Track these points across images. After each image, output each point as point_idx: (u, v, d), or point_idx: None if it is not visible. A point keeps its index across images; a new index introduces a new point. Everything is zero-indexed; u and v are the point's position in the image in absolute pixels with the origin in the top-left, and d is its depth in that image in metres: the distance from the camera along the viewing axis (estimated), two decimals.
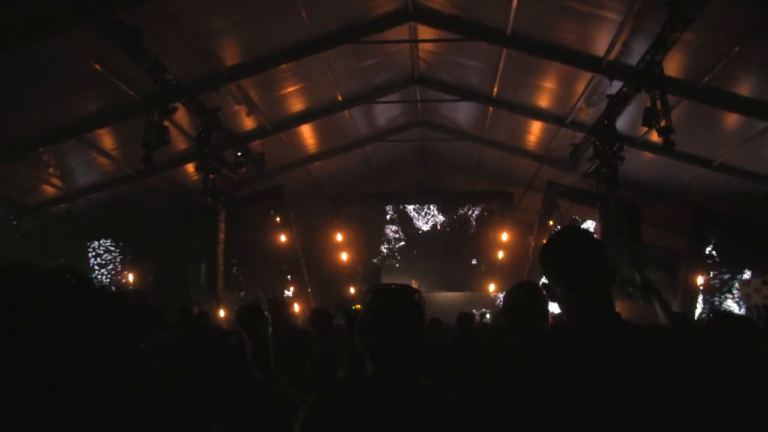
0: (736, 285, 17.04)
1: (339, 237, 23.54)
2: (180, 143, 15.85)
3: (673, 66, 11.89)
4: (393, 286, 2.26)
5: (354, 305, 21.78)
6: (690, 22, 10.07)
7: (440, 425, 1.98)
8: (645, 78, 11.83)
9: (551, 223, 19.99)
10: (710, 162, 15.58)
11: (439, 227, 25.69)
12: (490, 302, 23.59)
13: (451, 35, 14.48)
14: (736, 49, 11.01)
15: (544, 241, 2.17)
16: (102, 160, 15.75)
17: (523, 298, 3.19)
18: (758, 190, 15.90)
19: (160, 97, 12.54)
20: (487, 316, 21.75)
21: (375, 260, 25.60)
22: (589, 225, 20.05)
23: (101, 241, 19.65)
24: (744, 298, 13.62)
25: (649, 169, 17.45)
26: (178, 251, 17.18)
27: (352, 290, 23.79)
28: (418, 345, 2.12)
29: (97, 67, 12.09)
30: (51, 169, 15.55)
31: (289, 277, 21.99)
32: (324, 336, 5.40)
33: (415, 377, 2.08)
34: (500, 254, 23.60)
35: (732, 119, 13.65)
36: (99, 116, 13.87)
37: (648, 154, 16.14)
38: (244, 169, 17.05)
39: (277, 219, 20.17)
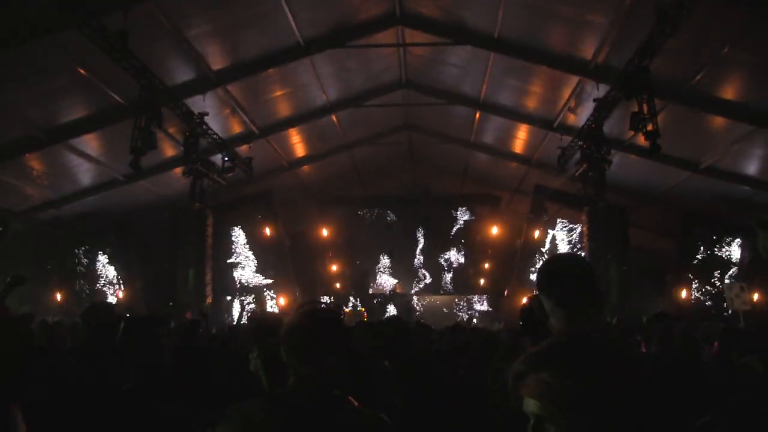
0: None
1: (326, 240, 23.54)
2: (167, 148, 15.80)
3: (659, 70, 11.94)
4: (319, 306, 2.50)
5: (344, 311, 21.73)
6: (677, 26, 10.12)
7: None
8: (632, 82, 11.87)
9: (539, 227, 20.07)
10: (697, 165, 15.66)
11: (427, 231, 25.63)
12: (478, 306, 23.70)
13: (439, 39, 14.50)
14: (723, 52, 11.07)
15: (542, 265, 2.28)
16: (89, 165, 15.65)
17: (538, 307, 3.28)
18: (744, 193, 16.01)
19: (147, 102, 12.46)
20: (474, 320, 21.83)
21: (361, 263, 25.54)
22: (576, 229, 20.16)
23: (89, 247, 19.51)
24: (728, 302, 13.65)
25: (636, 173, 17.53)
26: (166, 256, 17.10)
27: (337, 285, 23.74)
28: (333, 362, 2.24)
29: (83, 72, 12.01)
30: (38, 175, 15.43)
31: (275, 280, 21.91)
32: None
33: (328, 390, 2.20)
34: (488, 258, 23.70)
35: (718, 123, 13.72)
36: (86, 121, 13.77)
37: (635, 158, 16.20)
38: (231, 174, 16.99)
39: (265, 223, 20.13)
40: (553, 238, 21.90)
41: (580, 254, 16.20)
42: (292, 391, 2.23)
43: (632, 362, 1.40)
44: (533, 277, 22.91)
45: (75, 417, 2.59)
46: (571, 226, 21.65)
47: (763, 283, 15.00)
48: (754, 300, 13.53)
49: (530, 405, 1.38)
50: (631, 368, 1.38)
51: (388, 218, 25.82)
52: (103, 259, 19.68)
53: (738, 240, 18.15)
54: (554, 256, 2.63)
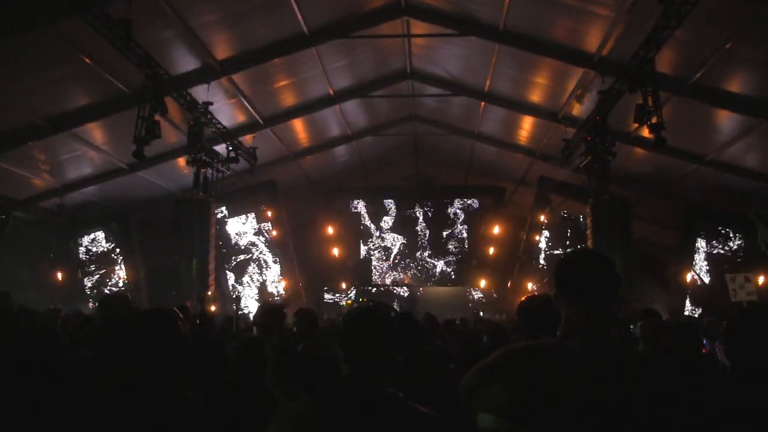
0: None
1: (330, 231, 23.57)
2: (171, 137, 15.79)
3: (664, 62, 11.91)
4: (371, 303, 2.48)
5: (346, 302, 21.87)
6: (683, 18, 10.07)
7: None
8: (637, 74, 11.83)
9: (543, 218, 20.07)
10: (701, 158, 15.63)
11: (430, 222, 25.64)
12: (481, 297, 23.72)
13: (444, 30, 14.45)
14: (728, 45, 11.03)
15: (563, 259, 2.28)
16: (93, 153, 15.68)
17: (539, 305, 3.32)
18: (748, 186, 15.98)
19: (151, 92, 12.46)
20: (480, 312, 21.82)
21: (367, 255, 25.57)
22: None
23: (92, 236, 19.58)
24: (731, 294, 13.67)
25: (640, 165, 17.50)
26: (169, 246, 17.14)
27: (343, 285, 23.85)
28: (389, 357, 2.26)
29: (87, 60, 11.99)
30: (41, 163, 15.48)
31: (280, 272, 22.01)
32: (310, 337, 5.35)
33: (383, 386, 2.19)
34: (491, 249, 23.70)
35: (723, 116, 13.68)
36: (89, 110, 13.78)
37: (639, 150, 16.18)
38: (235, 164, 17.00)
39: (269, 213, 20.18)
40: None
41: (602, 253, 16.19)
42: (346, 389, 2.21)
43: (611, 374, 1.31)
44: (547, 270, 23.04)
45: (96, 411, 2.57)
46: (575, 217, 21.68)
47: (764, 275, 15.04)
48: (758, 288, 13.53)
49: (484, 420, 1.25)
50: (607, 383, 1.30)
51: (392, 209, 25.78)
52: (106, 248, 19.76)
53: (738, 233, 18.19)
54: (577, 251, 2.62)
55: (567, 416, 1.19)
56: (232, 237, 21.99)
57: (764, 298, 13.76)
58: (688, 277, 18.68)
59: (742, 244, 17.79)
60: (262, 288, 22.13)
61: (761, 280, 14.76)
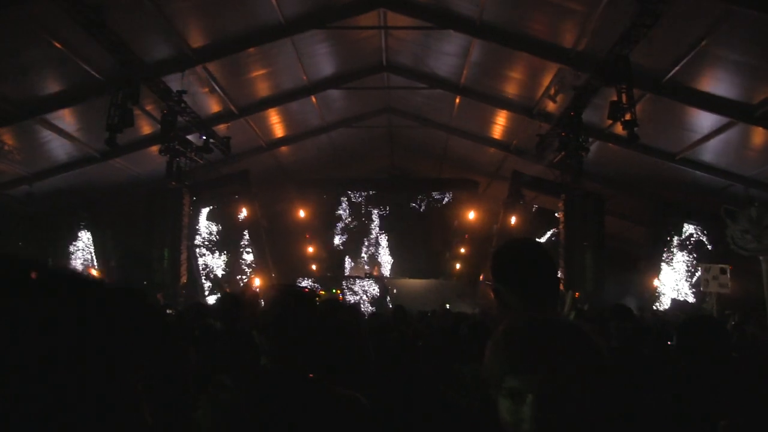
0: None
1: (303, 222, 23.51)
2: (144, 126, 15.60)
3: (638, 60, 12.00)
4: (296, 288, 2.54)
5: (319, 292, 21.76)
6: (659, 17, 10.17)
7: (325, 415, 2.10)
8: (611, 71, 11.94)
9: (515, 213, 20.16)
10: (673, 156, 15.83)
11: (404, 214, 25.63)
12: (454, 290, 23.78)
13: (422, 23, 14.43)
14: (704, 43, 11.15)
15: (498, 249, 2.20)
16: (64, 141, 15.38)
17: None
18: (718, 184, 16.23)
19: (125, 79, 12.29)
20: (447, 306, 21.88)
21: (339, 246, 25.54)
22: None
23: (62, 225, 19.28)
24: (702, 283, 13.83)
25: (613, 161, 17.68)
26: (141, 235, 16.94)
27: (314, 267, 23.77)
28: (305, 344, 2.26)
29: (58, 45, 11.78)
30: (9, 150, 15.16)
31: (252, 261, 21.89)
32: None
33: (302, 371, 2.21)
34: (464, 242, 23.82)
35: (695, 114, 13.85)
36: (61, 96, 13.54)
37: (612, 146, 16.34)
38: (209, 153, 16.84)
39: (242, 203, 20.08)
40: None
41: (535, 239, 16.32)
42: (264, 372, 2.22)
43: (590, 350, 1.34)
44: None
45: None
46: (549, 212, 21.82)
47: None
48: (730, 283, 13.71)
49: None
50: (589, 355, 1.32)
51: (366, 201, 25.75)
52: (76, 236, 19.48)
53: (708, 230, 18.47)
54: (510, 240, 2.53)
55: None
56: (203, 226, 21.75)
57: (734, 292, 13.99)
58: (660, 272, 18.92)
59: (713, 240, 18.04)
60: (225, 278, 21.88)
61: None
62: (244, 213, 20.12)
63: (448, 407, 2.68)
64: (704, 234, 18.89)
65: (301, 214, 23.40)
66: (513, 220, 19.76)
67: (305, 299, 2.37)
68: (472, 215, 23.30)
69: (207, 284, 21.18)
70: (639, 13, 10.38)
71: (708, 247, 18.55)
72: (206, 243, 21.25)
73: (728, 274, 13.00)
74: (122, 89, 12.32)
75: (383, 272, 25.48)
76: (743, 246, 11.55)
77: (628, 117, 11.91)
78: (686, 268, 19.20)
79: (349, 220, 25.64)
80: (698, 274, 16.63)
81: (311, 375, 2.21)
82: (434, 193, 25.54)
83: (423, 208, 25.66)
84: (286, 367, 2.19)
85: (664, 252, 19.30)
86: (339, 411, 2.13)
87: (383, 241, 25.67)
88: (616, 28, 11.34)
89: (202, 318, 7.50)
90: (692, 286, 18.64)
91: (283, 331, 2.21)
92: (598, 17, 11.68)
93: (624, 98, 11.91)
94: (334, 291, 22.78)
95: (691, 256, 19.17)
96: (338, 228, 25.50)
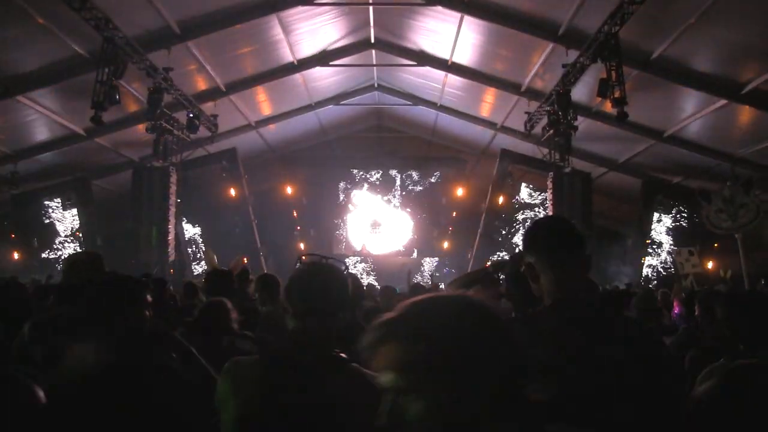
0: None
1: (291, 200, 23.47)
2: (130, 103, 15.43)
3: (628, 36, 11.96)
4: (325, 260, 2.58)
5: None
6: None
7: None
8: (601, 48, 11.91)
9: (504, 191, 20.21)
10: (661, 134, 15.88)
11: (392, 192, 25.62)
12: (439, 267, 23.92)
13: None
14: (693, 20, 11.13)
15: (533, 225, 2.29)
16: (48, 119, 15.18)
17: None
18: (705, 163, 16.32)
19: (110, 56, 12.12)
20: (441, 285, 21.96)
21: (327, 224, 25.51)
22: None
23: (48, 203, 19.13)
24: (679, 266, 14.07)
25: (601, 139, 17.69)
26: (128, 214, 16.85)
27: (302, 246, 23.79)
28: (334, 314, 2.22)
29: (41, 21, 11.57)
30: None
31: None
32: (271, 303, 5.22)
33: (332, 350, 2.18)
34: (452, 220, 23.90)
35: (683, 93, 13.88)
36: (45, 73, 13.34)
37: (600, 124, 16.34)
38: (196, 131, 16.70)
39: (230, 181, 19.98)
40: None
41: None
42: (293, 349, 2.18)
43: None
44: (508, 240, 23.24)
45: None
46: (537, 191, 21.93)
47: (704, 250, 15.58)
48: (702, 263, 13.95)
49: (385, 378, 1.19)
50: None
51: (353, 179, 25.70)
52: (62, 215, 19.34)
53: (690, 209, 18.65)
54: (545, 217, 2.65)
55: (463, 372, 1.14)
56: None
57: (705, 270, 14.28)
58: (645, 250, 19.08)
59: (695, 219, 18.19)
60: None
61: (705, 261, 15.33)
62: (232, 192, 20.00)
63: None
64: (684, 214, 19.18)
65: (288, 191, 23.34)
66: (501, 199, 19.83)
67: (343, 273, 2.38)
68: (460, 193, 23.33)
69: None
70: None
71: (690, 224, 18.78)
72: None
73: (696, 255, 13.24)
74: (108, 66, 12.15)
75: (369, 251, 25.50)
76: (718, 225, 11.69)
77: (617, 94, 11.89)
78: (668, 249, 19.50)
79: (338, 198, 25.60)
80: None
81: (340, 353, 2.18)
82: (422, 171, 25.51)
83: (410, 186, 25.64)
84: (316, 344, 2.15)
85: (651, 230, 19.47)
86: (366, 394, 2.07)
87: (371, 219, 25.63)
88: (606, 5, 11.30)
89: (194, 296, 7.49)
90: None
91: (324, 304, 2.19)
92: None
93: (614, 76, 11.89)
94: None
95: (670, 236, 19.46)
96: (326, 206, 25.43)
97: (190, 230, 22.05)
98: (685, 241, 17.60)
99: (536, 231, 2.23)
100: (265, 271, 19.96)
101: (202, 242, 21.75)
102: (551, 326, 1.92)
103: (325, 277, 2.28)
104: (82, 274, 3.80)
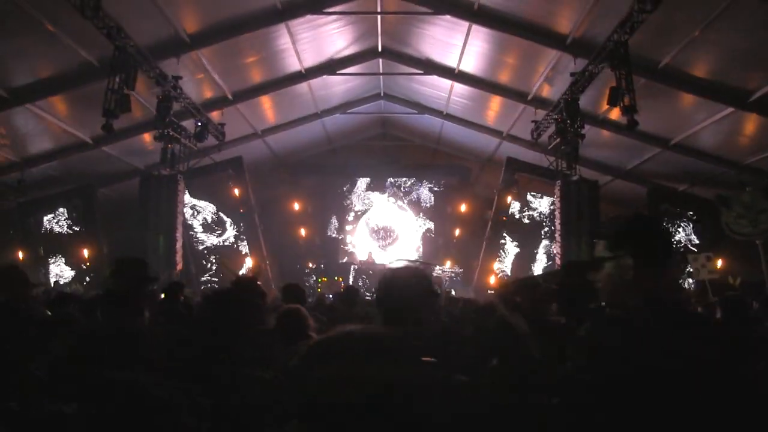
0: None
1: (297, 209, 23.48)
2: (137, 111, 15.42)
3: (636, 45, 11.98)
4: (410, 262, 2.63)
5: (320, 278, 21.68)
6: (659, 2, 10.15)
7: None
8: (611, 57, 11.93)
9: (509, 198, 20.22)
10: (667, 141, 15.89)
11: (397, 200, 25.61)
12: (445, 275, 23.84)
13: (417, 8, 14.34)
14: (700, 29, 11.16)
15: (625, 224, 2.29)
16: (57, 127, 15.20)
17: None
18: (711, 170, 16.32)
19: (121, 64, 12.13)
20: (452, 291, 21.93)
21: (333, 234, 25.49)
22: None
23: (54, 211, 19.11)
24: (693, 273, 14.04)
25: (606, 147, 17.71)
26: (135, 222, 16.82)
27: (311, 265, 23.77)
28: (416, 319, 2.32)
29: (51, 28, 11.59)
30: (0, 136, 14.98)
31: (246, 249, 21.81)
32: None
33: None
34: (457, 229, 23.88)
35: (689, 100, 13.89)
36: (54, 81, 13.36)
37: (606, 132, 16.36)
38: (204, 140, 16.73)
39: (236, 190, 19.99)
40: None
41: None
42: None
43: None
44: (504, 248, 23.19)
45: None
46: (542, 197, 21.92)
47: (720, 256, 15.51)
48: (718, 268, 13.87)
49: None
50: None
51: (359, 188, 25.69)
52: (68, 224, 19.32)
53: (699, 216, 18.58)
54: (642, 216, 2.65)
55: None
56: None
57: (723, 277, 14.16)
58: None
59: (706, 226, 18.14)
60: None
61: (719, 263, 15.19)
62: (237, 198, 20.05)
63: None
64: (692, 223, 19.10)
65: (294, 200, 23.36)
66: (506, 206, 19.83)
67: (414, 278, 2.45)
68: (465, 201, 23.36)
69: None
70: None
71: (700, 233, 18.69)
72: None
73: (713, 262, 13.19)
74: (119, 74, 12.17)
75: (375, 259, 25.45)
76: (738, 231, 11.67)
77: (627, 102, 11.89)
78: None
79: (343, 206, 25.58)
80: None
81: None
82: (427, 179, 25.51)
83: (416, 194, 25.63)
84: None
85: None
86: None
87: (377, 227, 25.61)
88: (615, 13, 11.34)
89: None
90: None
91: (412, 304, 2.30)
92: (597, 2, 11.66)
93: (623, 84, 11.91)
94: (336, 278, 22.72)
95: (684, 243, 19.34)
96: (331, 215, 25.44)
97: (208, 240, 21.91)
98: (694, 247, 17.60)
99: (636, 229, 2.22)
100: (270, 278, 20.09)
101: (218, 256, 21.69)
102: (647, 325, 1.92)
103: (400, 286, 2.40)
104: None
